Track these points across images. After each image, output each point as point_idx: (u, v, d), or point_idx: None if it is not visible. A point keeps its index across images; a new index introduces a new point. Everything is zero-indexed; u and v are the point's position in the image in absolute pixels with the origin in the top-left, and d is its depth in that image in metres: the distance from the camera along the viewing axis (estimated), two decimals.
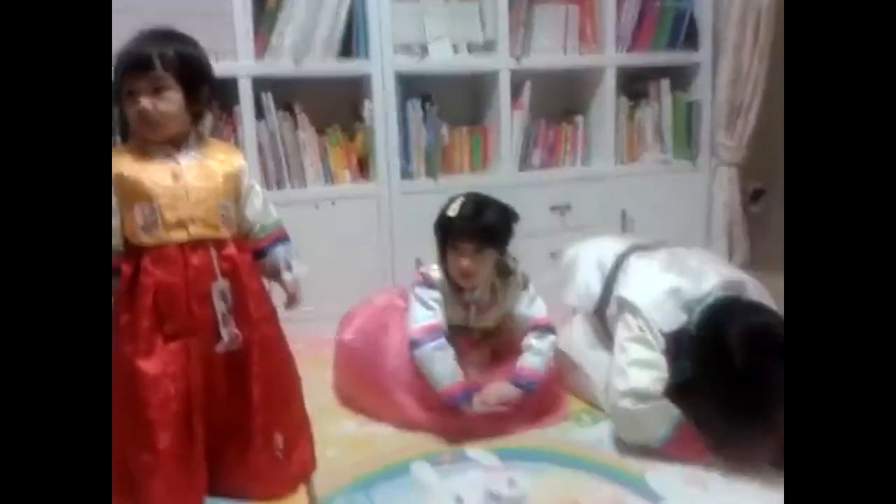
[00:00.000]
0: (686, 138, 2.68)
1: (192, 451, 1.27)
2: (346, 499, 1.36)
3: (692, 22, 2.60)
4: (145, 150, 1.27)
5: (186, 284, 1.25)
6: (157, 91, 1.23)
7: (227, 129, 2.18)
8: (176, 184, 1.26)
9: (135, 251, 1.26)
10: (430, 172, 2.40)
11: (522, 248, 2.45)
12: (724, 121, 2.62)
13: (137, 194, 1.24)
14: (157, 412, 1.22)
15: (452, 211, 1.63)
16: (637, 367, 1.47)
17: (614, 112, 2.55)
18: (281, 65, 2.18)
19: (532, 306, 1.70)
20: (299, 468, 1.41)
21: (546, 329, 1.68)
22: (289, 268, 1.41)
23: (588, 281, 1.80)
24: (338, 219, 2.29)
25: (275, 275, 1.42)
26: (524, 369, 1.63)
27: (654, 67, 2.61)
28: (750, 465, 1.41)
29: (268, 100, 2.21)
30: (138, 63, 1.23)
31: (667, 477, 1.41)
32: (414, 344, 1.56)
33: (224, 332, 1.28)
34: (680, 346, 1.47)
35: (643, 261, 1.68)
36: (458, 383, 1.55)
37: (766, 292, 1.58)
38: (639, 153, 2.65)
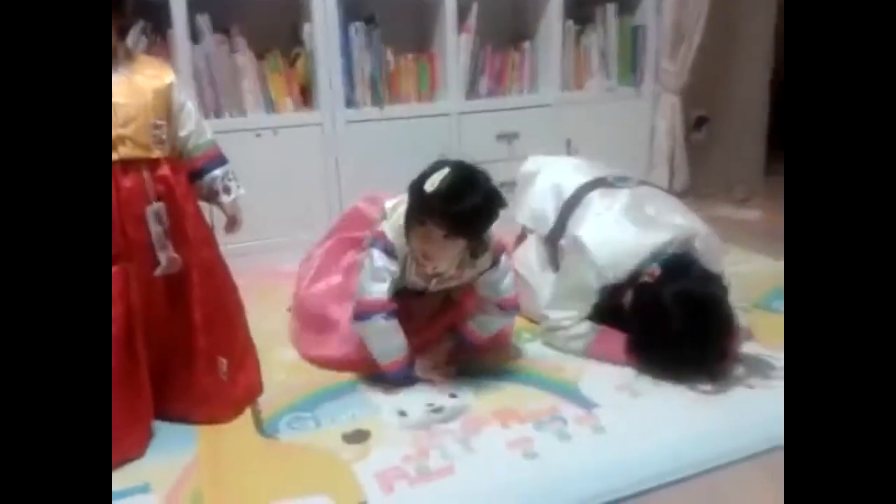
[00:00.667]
0: (631, 65, 2.69)
1: (135, 373, 1.27)
2: (290, 417, 1.39)
3: None
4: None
5: (119, 207, 1.22)
6: None
7: (162, 53, 2.08)
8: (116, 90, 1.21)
9: None
10: (376, 100, 2.36)
11: None
12: (669, 46, 2.63)
13: None
14: None
15: (430, 185, 1.34)
16: (562, 302, 1.62)
17: (561, 37, 2.53)
18: None
19: (501, 284, 1.49)
20: (245, 392, 1.42)
21: (512, 310, 1.54)
22: (227, 190, 1.39)
23: (543, 207, 1.81)
24: (280, 148, 2.25)
25: (212, 197, 1.39)
26: (473, 334, 1.54)
27: None
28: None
29: (203, 22, 2.11)
30: None
31: (600, 385, 1.48)
32: (358, 315, 1.43)
33: (161, 256, 1.27)
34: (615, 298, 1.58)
35: (605, 201, 1.68)
36: (400, 359, 1.46)
37: (715, 241, 1.64)
38: (584, 80, 2.65)
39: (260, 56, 2.23)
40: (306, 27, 2.22)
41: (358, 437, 1.32)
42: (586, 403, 1.42)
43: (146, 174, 1.25)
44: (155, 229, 1.26)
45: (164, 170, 1.28)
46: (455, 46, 2.39)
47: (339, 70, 2.26)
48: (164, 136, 1.28)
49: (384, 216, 1.53)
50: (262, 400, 1.44)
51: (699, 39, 2.63)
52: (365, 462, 1.24)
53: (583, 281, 1.58)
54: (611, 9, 2.63)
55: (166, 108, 1.30)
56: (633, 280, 1.54)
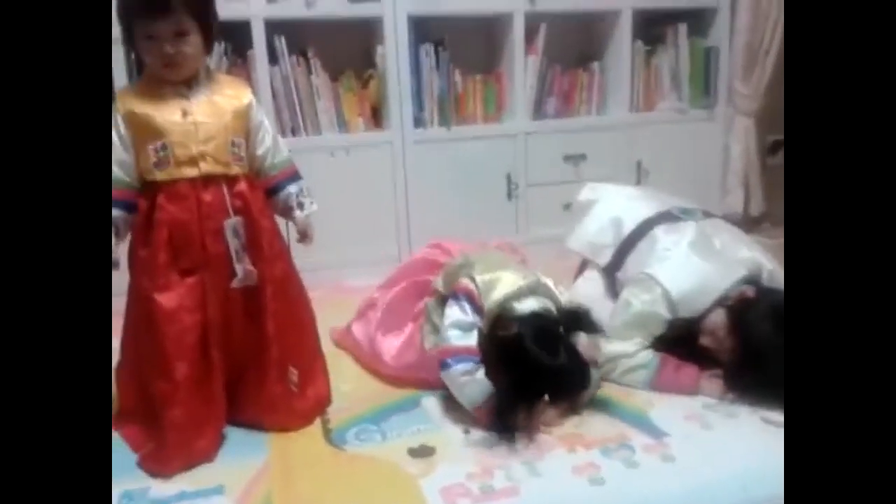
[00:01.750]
0: (703, 86, 2.64)
1: (210, 381, 1.32)
2: (357, 429, 1.41)
3: None
4: (156, 88, 1.28)
5: (200, 220, 1.28)
6: (178, 34, 1.24)
7: (241, 74, 2.19)
8: (185, 120, 1.27)
9: (150, 187, 1.28)
10: (443, 121, 2.39)
11: (536, 197, 2.49)
12: (742, 68, 2.57)
13: (149, 132, 1.26)
14: (173, 344, 1.27)
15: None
16: (623, 334, 1.54)
17: (630, 58, 2.52)
18: (293, 7, 2.17)
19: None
20: (314, 403, 1.46)
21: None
22: (300, 206, 1.43)
23: (601, 239, 1.77)
24: (352, 167, 2.31)
25: (287, 213, 1.44)
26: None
27: (672, 11, 2.57)
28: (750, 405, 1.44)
29: (281, 44, 2.20)
30: (159, 7, 1.22)
31: (669, 414, 1.44)
32: (444, 364, 1.40)
33: (238, 268, 1.32)
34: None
35: (671, 237, 1.63)
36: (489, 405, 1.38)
37: (780, 275, 1.57)
38: (655, 101, 2.62)
39: (334, 77, 2.31)
40: (379, 49, 2.28)
41: (423, 451, 1.33)
42: (656, 432, 1.38)
43: (225, 189, 1.31)
44: (233, 242, 1.31)
45: (242, 186, 1.33)
46: (522, 67, 2.42)
47: (409, 91, 2.32)
48: (242, 154, 1.34)
49: (464, 268, 1.50)
50: (331, 410, 1.47)
51: (774, 62, 2.56)
52: (430, 477, 1.25)
53: (651, 314, 1.53)
54: (682, 29, 2.60)
55: (244, 126, 1.35)
56: (706, 312, 1.50)
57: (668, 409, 1.46)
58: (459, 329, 1.40)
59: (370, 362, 1.65)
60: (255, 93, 2.16)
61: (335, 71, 2.32)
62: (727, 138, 2.68)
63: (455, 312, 1.42)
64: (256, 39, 2.14)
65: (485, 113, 2.48)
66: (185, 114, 1.28)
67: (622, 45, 2.49)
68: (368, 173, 2.33)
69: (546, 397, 1.38)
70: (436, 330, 1.50)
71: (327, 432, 1.40)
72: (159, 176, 1.27)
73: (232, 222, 1.31)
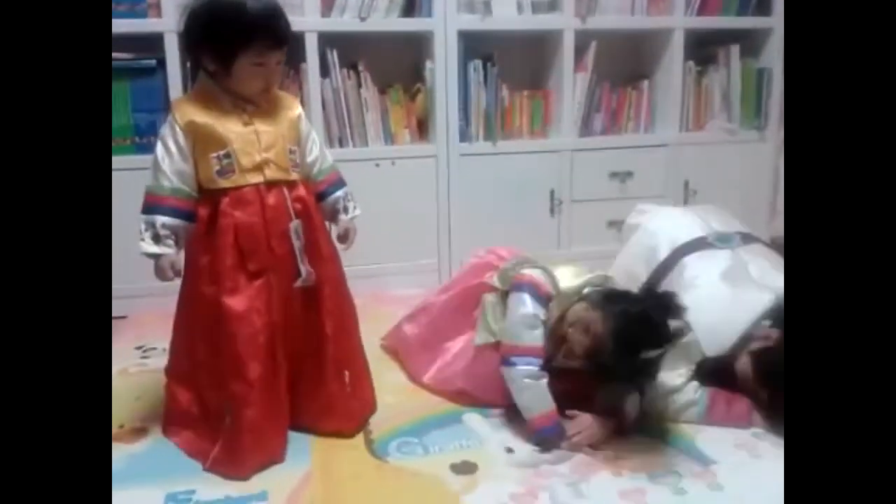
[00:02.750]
0: (755, 107, 2.59)
1: (276, 381, 1.34)
2: (399, 442, 1.41)
3: None
4: (214, 99, 1.31)
5: (265, 224, 1.31)
6: (277, 62, 1.30)
7: (294, 85, 2.23)
8: (246, 128, 1.31)
9: (211, 195, 1.31)
10: (489, 135, 2.40)
11: (580, 214, 2.47)
12: None
13: (212, 142, 1.29)
14: (245, 345, 1.29)
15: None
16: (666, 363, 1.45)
17: (681, 77, 2.49)
18: (346, 21, 2.20)
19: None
20: (362, 406, 1.47)
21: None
22: (345, 210, 1.48)
23: (635, 269, 1.74)
24: (397, 178, 2.33)
25: (333, 216, 1.48)
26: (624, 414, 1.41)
27: (724, 32, 2.53)
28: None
29: (333, 57, 2.24)
30: (279, 42, 1.27)
31: (718, 441, 1.41)
32: (507, 362, 1.36)
33: (302, 269, 1.35)
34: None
35: (702, 264, 1.59)
36: (548, 415, 1.35)
37: None
38: (705, 121, 2.58)
39: (383, 90, 2.33)
40: (428, 64, 2.30)
41: (465, 468, 1.32)
42: (704, 459, 1.35)
43: (286, 193, 1.34)
44: (297, 244, 1.34)
45: (301, 190, 1.37)
46: (571, 84, 2.40)
47: (456, 105, 2.33)
48: (297, 160, 1.38)
49: (523, 264, 1.47)
50: (373, 421, 1.48)
51: None
52: (473, 495, 1.24)
53: (689, 344, 1.47)
54: (734, 50, 2.56)
55: (297, 136, 1.39)
56: (745, 342, 1.46)
57: (716, 436, 1.42)
58: (525, 325, 1.35)
59: (412, 366, 1.65)
60: (305, 104, 2.23)
61: (384, 84, 2.34)
62: (777, 160, 2.62)
63: (518, 306, 1.36)
64: (310, 52, 2.18)
65: (531, 128, 2.48)
66: (245, 123, 1.31)
67: (673, 64, 2.47)
68: (413, 185, 2.34)
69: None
70: (489, 328, 1.45)
71: (369, 443, 1.40)
72: (224, 184, 1.30)
73: (295, 224, 1.34)
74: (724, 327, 1.47)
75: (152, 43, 2.08)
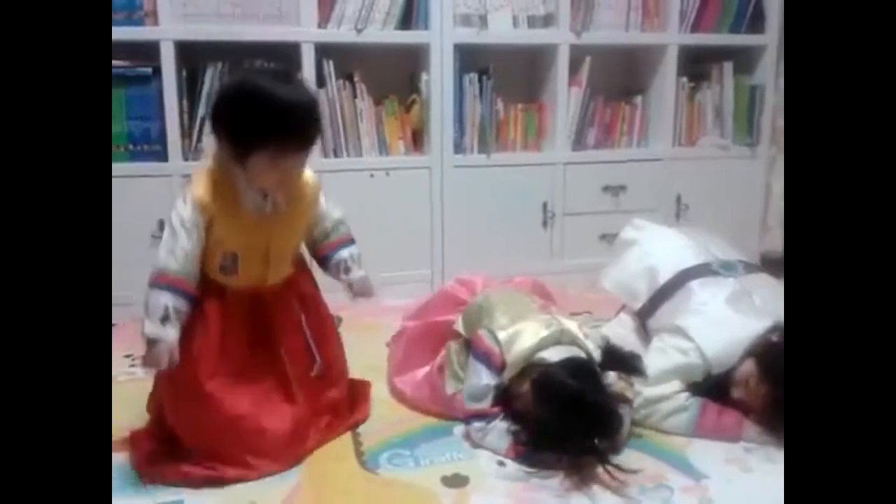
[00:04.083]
0: (747, 124, 2.62)
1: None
2: (390, 454, 1.40)
3: (759, 4, 2.53)
4: (233, 184, 1.23)
5: (254, 320, 1.33)
6: (298, 163, 1.24)
7: None
8: (259, 236, 1.26)
9: (206, 277, 1.28)
10: (483, 147, 2.41)
11: (572, 226, 2.48)
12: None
13: (223, 243, 1.25)
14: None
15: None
16: (661, 379, 1.49)
17: (674, 93, 2.51)
18: (343, 33, 2.21)
19: None
20: (360, 415, 1.50)
21: None
22: (347, 271, 1.40)
23: (635, 286, 1.75)
24: (391, 189, 2.33)
25: (336, 275, 1.42)
26: None
27: (718, 48, 2.56)
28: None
29: (329, 67, 2.24)
30: (300, 143, 1.20)
31: (709, 456, 1.41)
32: (466, 421, 1.46)
33: (317, 357, 1.38)
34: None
35: (708, 290, 1.60)
36: (513, 448, 1.39)
37: None
38: (697, 137, 2.60)
39: (378, 101, 2.34)
40: (424, 76, 2.32)
41: (456, 481, 1.31)
42: (695, 474, 1.35)
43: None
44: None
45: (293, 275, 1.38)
46: (565, 98, 2.42)
47: (451, 117, 2.34)
48: (300, 252, 1.39)
49: (484, 313, 1.53)
50: (364, 432, 1.47)
51: None
52: None
53: (690, 365, 1.50)
54: (727, 67, 2.59)
55: (313, 220, 1.36)
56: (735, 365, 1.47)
57: (707, 451, 1.42)
58: (477, 396, 1.43)
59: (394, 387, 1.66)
60: None
61: (379, 95, 2.35)
62: (769, 176, 2.64)
63: (475, 376, 1.44)
64: (306, 63, 2.18)
65: (525, 141, 2.49)
66: (259, 227, 1.26)
67: (666, 79, 2.49)
68: (406, 196, 2.35)
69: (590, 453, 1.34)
70: (456, 376, 1.52)
71: (360, 455, 1.39)
72: (223, 281, 1.28)
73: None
74: (729, 349, 1.48)
75: (148, 51, 2.09)
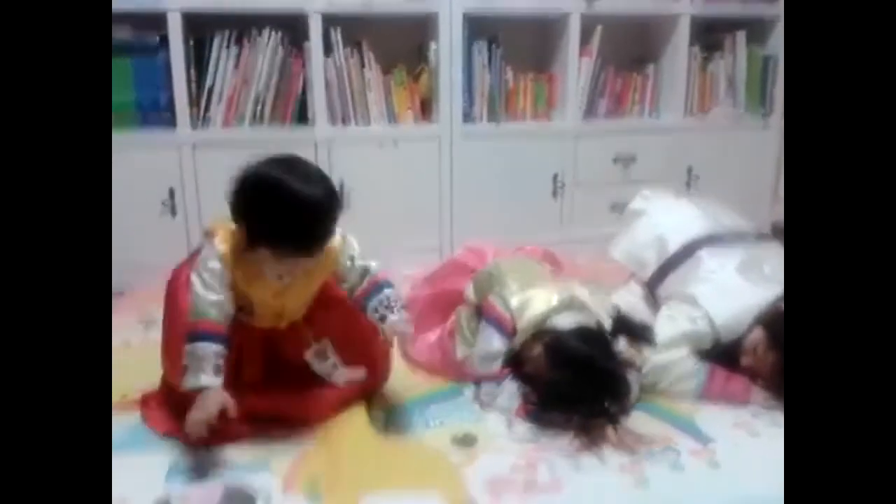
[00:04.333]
0: (759, 94, 2.59)
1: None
2: (401, 415, 1.42)
3: None
4: (257, 261, 1.23)
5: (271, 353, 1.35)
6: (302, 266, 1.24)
7: (297, 63, 2.22)
8: (275, 301, 1.29)
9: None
10: (493, 116, 2.39)
11: (582, 197, 2.47)
12: None
13: (240, 296, 1.27)
14: None
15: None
16: (669, 346, 1.49)
17: (686, 63, 2.48)
18: (350, 2, 2.19)
19: None
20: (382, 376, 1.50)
21: None
22: (382, 319, 1.31)
23: (644, 255, 1.76)
24: (399, 159, 2.32)
25: (374, 321, 1.35)
26: None
27: (731, 18, 2.52)
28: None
29: (336, 36, 2.23)
30: (304, 252, 1.19)
31: (717, 420, 1.41)
32: (476, 383, 1.49)
33: (340, 382, 1.38)
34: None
35: (717, 259, 1.60)
36: (523, 407, 1.41)
37: None
38: (709, 107, 2.57)
39: (386, 70, 2.33)
40: (432, 45, 2.29)
41: (466, 441, 1.33)
42: (702, 437, 1.36)
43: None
44: (321, 367, 1.36)
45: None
46: (576, 68, 2.40)
47: (460, 86, 2.32)
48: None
49: (495, 280, 1.53)
50: (376, 395, 1.48)
51: None
52: (473, 467, 1.25)
53: (698, 333, 1.50)
54: (740, 37, 2.55)
55: (335, 274, 1.34)
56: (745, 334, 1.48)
57: (715, 416, 1.43)
58: (488, 361, 1.46)
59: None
60: (308, 83, 2.22)
61: (387, 64, 2.33)
62: (780, 147, 2.62)
63: (486, 342, 1.46)
64: (313, 31, 2.17)
65: (535, 110, 2.47)
66: (277, 295, 1.28)
67: (679, 49, 2.46)
68: (415, 165, 2.34)
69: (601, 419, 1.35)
70: (467, 341, 1.53)
71: (371, 416, 1.40)
72: (240, 317, 1.29)
73: (315, 350, 1.35)
74: (738, 316, 1.48)
75: (155, 20, 2.07)
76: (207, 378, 1.18)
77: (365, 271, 1.33)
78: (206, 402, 1.17)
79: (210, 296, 1.21)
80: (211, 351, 1.19)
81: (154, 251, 1.87)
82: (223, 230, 1.25)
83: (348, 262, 1.32)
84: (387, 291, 1.32)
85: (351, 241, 1.34)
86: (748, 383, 1.48)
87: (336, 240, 1.29)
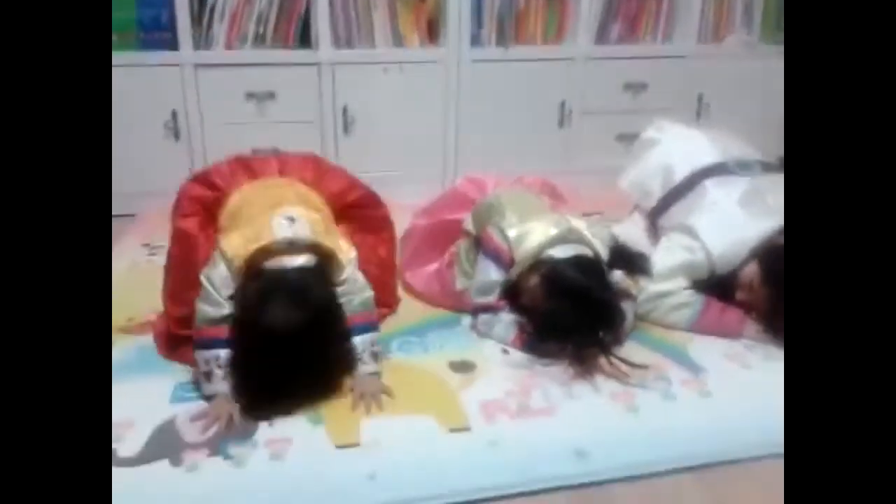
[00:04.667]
0: (776, 21, 2.49)
1: None
2: (400, 341, 1.46)
3: None
4: None
5: None
6: None
7: None
8: None
9: None
10: (501, 41, 2.32)
11: (589, 126, 2.43)
12: None
13: None
14: None
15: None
16: (667, 276, 1.51)
17: None
18: None
19: None
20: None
21: None
22: (361, 360, 1.29)
23: (650, 184, 1.75)
24: (405, 83, 2.28)
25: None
26: None
27: None
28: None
29: None
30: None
31: (709, 351, 1.45)
32: (473, 314, 1.51)
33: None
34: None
35: (721, 189, 1.59)
36: (519, 337, 1.44)
37: None
38: (724, 34, 2.48)
39: None
40: None
41: (463, 367, 1.37)
42: (694, 367, 1.40)
43: None
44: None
45: None
46: None
47: (469, 7, 2.24)
48: None
49: (494, 211, 1.53)
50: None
51: None
52: (469, 391, 1.29)
53: (694, 263, 1.52)
54: None
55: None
56: (751, 259, 1.48)
57: (708, 347, 1.46)
58: (485, 291, 1.48)
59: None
60: (312, 2, 2.15)
61: None
62: None
63: (483, 272, 1.48)
64: None
65: (545, 34, 2.39)
66: None
67: None
68: (420, 90, 2.30)
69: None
70: (466, 273, 1.55)
71: None
72: None
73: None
74: (735, 249, 1.49)
75: None
76: (216, 386, 1.22)
77: (351, 297, 1.30)
78: (217, 409, 1.20)
79: (213, 312, 1.23)
80: (219, 358, 1.22)
81: (159, 175, 1.88)
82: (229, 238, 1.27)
83: (349, 273, 1.30)
84: (367, 337, 1.30)
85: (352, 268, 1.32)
86: (743, 316, 1.50)
87: (345, 248, 1.32)
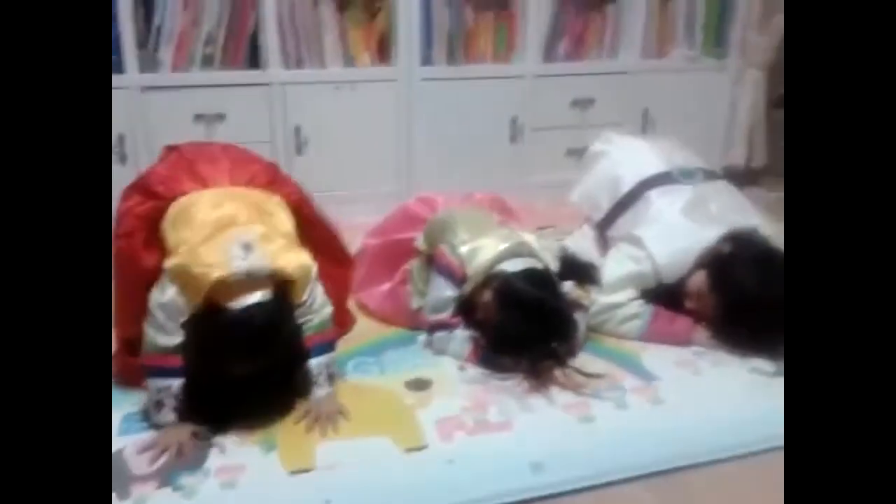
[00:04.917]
0: (716, 36, 2.59)
1: None
2: (356, 361, 1.45)
3: None
4: None
5: None
6: None
7: (248, 1, 2.14)
8: None
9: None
10: (451, 59, 2.35)
11: (540, 142, 2.47)
12: (758, 18, 2.52)
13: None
14: None
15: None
16: (616, 288, 1.55)
17: (645, 1, 2.45)
18: None
19: None
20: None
21: None
22: (317, 382, 1.28)
23: (597, 196, 1.79)
24: (356, 102, 2.28)
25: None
26: None
27: None
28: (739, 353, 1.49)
29: None
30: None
31: (661, 359, 1.48)
32: (428, 332, 1.51)
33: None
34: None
35: (665, 199, 1.63)
36: (473, 352, 1.46)
37: (775, 236, 1.53)
38: (667, 49, 2.57)
39: (341, 9, 2.25)
40: None
41: (420, 385, 1.37)
42: (646, 376, 1.43)
43: None
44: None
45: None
46: (536, 7, 2.36)
47: (418, 27, 2.27)
48: None
49: (446, 227, 1.54)
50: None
51: None
52: (426, 409, 1.30)
53: (641, 273, 1.55)
54: None
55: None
56: (687, 275, 1.52)
57: (659, 355, 1.50)
58: (438, 308, 1.49)
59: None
60: (260, 22, 2.14)
61: (342, 2, 2.25)
62: (736, 90, 2.64)
63: (437, 289, 1.49)
64: None
65: (494, 52, 2.43)
66: None
67: None
68: (373, 109, 2.30)
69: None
70: (419, 292, 1.57)
71: None
72: None
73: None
74: (681, 257, 1.52)
75: None
76: (166, 417, 1.21)
77: (309, 315, 1.28)
78: (166, 439, 1.18)
79: (165, 341, 1.19)
80: (171, 387, 1.20)
81: None
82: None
83: (308, 293, 1.27)
84: (326, 358, 1.30)
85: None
86: (691, 324, 1.54)
87: (305, 262, 1.26)
